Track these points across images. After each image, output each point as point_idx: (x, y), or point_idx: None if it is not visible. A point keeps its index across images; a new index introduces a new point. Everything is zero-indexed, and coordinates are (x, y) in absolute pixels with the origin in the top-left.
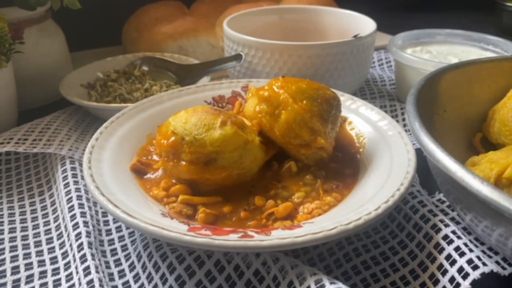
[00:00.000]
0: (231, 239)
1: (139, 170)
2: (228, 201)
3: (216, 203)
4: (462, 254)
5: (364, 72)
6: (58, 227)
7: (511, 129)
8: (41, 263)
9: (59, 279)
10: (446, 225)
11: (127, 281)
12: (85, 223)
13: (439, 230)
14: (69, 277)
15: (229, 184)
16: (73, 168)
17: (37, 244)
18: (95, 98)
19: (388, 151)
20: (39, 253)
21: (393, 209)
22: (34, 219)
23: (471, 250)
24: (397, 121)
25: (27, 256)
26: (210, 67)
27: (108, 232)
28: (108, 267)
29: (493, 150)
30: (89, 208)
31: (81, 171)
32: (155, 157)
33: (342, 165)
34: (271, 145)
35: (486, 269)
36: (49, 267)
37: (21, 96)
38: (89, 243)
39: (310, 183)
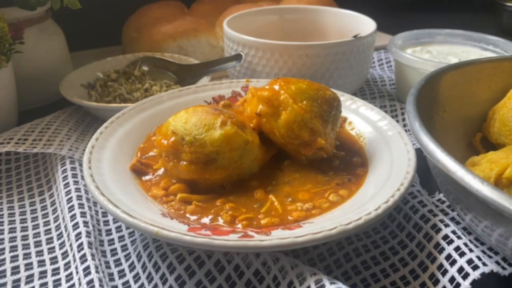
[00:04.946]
0: (231, 239)
1: (139, 170)
2: (227, 200)
3: (213, 200)
4: (462, 254)
5: (364, 72)
6: (58, 227)
7: (511, 129)
8: (41, 263)
9: (59, 279)
10: (446, 225)
11: (127, 281)
12: (85, 223)
13: (439, 230)
14: (69, 277)
15: (229, 184)
16: (73, 168)
17: (37, 244)
18: (95, 98)
19: (388, 151)
20: (39, 253)
21: (393, 209)
22: (34, 219)
23: (471, 250)
24: (397, 121)
25: (27, 256)
26: (210, 67)
27: (108, 232)
28: (108, 267)
29: (493, 150)
30: (89, 208)
31: (81, 171)
32: (152, 153)
33: (349, 160)
34: (271, 145)
35: (486, 269)
36: (49, 267)
37: (21, 96)
38: (89, 243)
39: (311, 181)
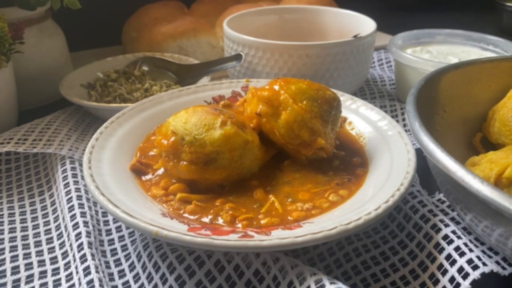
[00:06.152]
0: (231, 239)
1: (139, 170)
2: (227, 200)
3: (213, 200)
4: (462, 254)
5: (364, 72)
6: (58, 227)
7: (511, 129)
8: (41, 263)
9: (59, 279)
10: (446, 225)
11: (127, 281)
12: (85, 223)
13: (439, 230)
14: (69, 277)
15: (229, 184)
16: (73, 168)
17: (37, 244)
18: (95, 98)
19: (388, 151)
20: (39, 253)
21: (393, 209)
22: (34, 219)
23: (471, 250)
24: (397, 121)
25: (27, 256)
26: (210, 67)
27: (108, 232)
28: (108, 267)
29: (493, 150)
30: (89, 208)
31: (81, 171)
32: (152, 153)
33: (349, 160)
34: (271, 145)
35: (486, 269)
36: (49, 267)
37: (21, 96)
38: (89, 243)
39: (311, 181)
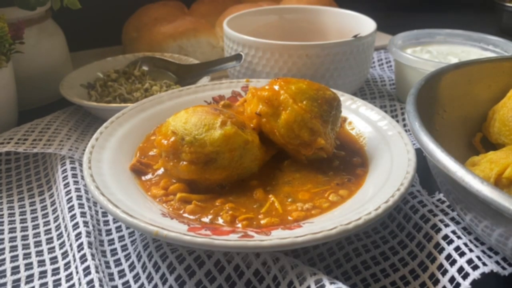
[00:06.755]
0: (231, 239)
1: (139, 170)
2: (227, 200)
3: (212, 200)
4: (462, 254)
5: (364, 72)
6: (58, 227)
7: (511, 129)
8: (41, 263)
9: (59, 279)
10: (446, 225)
11: (127, 281)
12: (85, 223)
13: (439, 230)
14: (69, 277)
15: (229, 184)
16: (73, 168)
17: (37, 244)
18: (95, 98)
19: (388, 151)
20: (39, 253)
21: (393, 209)
22: (34, 219)
23: (471, 250)
24: (397, 121)
25: (27, 256)
26: (210, 67)
27: (108, 232)
28: (108, 267)
29: (493, 150)
30: (89, 208)
31: (81, 171)
32: (152, 153)
33: (349, 160)
34: (271, 145)
35: (486, 269)
36: (49, 267)
37: (21, 96)
38: (89, 243)
39: (311, 181)
